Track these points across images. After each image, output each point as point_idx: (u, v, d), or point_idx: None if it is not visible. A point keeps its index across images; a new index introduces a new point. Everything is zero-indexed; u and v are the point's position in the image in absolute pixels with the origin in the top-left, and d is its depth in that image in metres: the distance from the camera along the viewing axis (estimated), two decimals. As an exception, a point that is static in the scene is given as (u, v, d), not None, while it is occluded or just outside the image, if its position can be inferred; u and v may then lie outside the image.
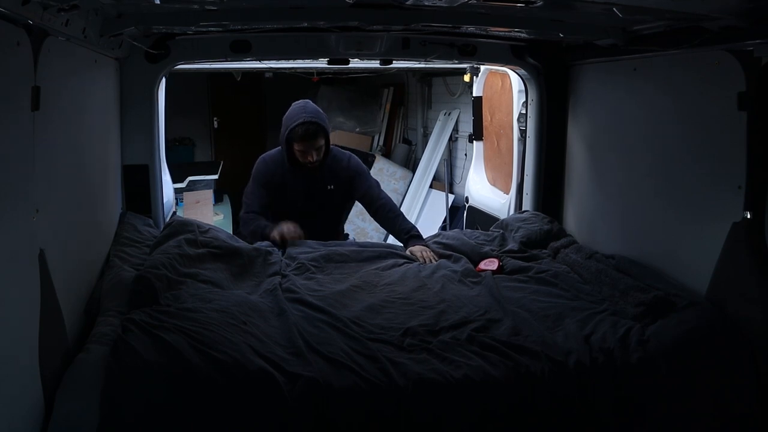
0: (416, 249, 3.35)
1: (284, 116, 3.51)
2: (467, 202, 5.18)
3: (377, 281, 2.93)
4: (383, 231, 7.76)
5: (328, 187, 3.61)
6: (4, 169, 1.76)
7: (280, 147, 3.60)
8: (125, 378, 2.03)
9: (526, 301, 2.70)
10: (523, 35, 3.29)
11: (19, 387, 1.82)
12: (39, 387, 1.92)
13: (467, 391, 2.15)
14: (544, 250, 3.38)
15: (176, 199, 4.91)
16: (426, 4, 2.52)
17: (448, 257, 3.27)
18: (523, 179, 4.02)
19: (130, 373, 2.04)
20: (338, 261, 3.14)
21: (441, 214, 7.43)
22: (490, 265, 3.15)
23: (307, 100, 3.63)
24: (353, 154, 3.78)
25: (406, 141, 9.03)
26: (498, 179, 4.85)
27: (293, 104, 3.58)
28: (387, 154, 8.80)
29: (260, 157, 3.72)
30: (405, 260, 3.25)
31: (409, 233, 3.51)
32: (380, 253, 3.29)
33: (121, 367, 2.05)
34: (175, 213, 4.51)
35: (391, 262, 3.20)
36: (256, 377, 2.09)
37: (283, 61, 4.22)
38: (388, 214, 3.63)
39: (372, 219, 3.73)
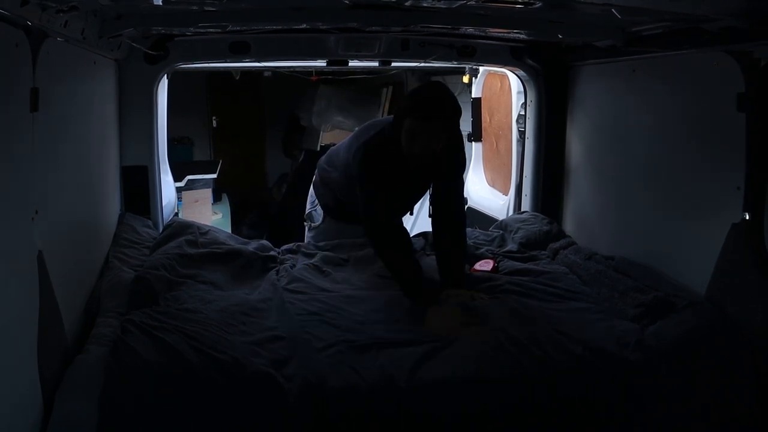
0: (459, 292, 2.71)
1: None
2: (466, 203, 5.18)
3: (377, 283, 2.93)
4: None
5: (429, 177, 3.01)
6: (3, 170, 1.76)
7: (380, 136, 2.88)
8: (125, 378, 2.03)
9: (525, 302, 2.70)
10: (522, 36, 3.29)
11: (18, 388, 1.82)
12: (38, 388, 1.92)
13: (467, 391, 2.16)
14: (543, 251, 3.39)
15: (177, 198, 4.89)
16: (425, 5, 2.52)
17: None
18: (522, 180, 4.03)
19: (129, 373, 2.05)
20: (337, 263, 3.14)
21: (440, 213, 7.41)
22: (485, 266, 3.15)
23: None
24: None
25: (406, 141, 9.02)
26: (497, 180, 4.85)
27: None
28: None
29: (365, 151, 2.85)
30: None
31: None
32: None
33: (120, 368, 2.05)
34: (177, 214, 4.50)
35: None
36: (255, 377, 2.09)
37: (282, 62, 4.21)
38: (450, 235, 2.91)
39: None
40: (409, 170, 2.82)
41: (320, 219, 3.45)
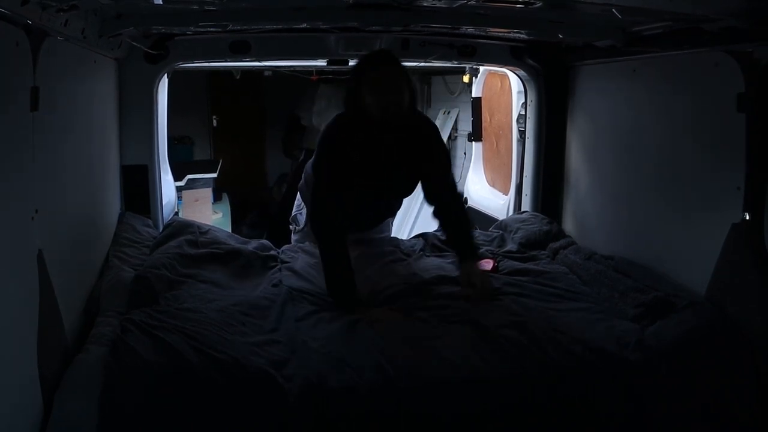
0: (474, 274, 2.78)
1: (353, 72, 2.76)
2: (466, 203, 5.18)
3: (378, 281, 2.93)
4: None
5: (408, 154, 2.81)
6: (3, 170, 1.76)
7: (340, 118, 2.84)
8: (125, 378, 2.03)
9: (525, 301, 2.70)
10: (522, 36, 3.29)
11: (18, 388, 1.82)
12: (38, 388, 1.91)
13: (467, 391, 2.15)
14: (543, 251, 3.39)
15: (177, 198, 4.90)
16: (425, 5, 2.52)
17: (444, 256, 3.28)
18: (522, 180, 4.03)
19: (129, 373, 2.04)
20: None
21: (440, 213, 7.41)
22: (485, 265, 3.15)
23: None
24: None
25: (406, 140, 9.02)
26: (497, 180, 4.85)
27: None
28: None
29: (325, 131, 2.83)
30: (404, 255, 3.26)
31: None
32: (383, 251, 3.28)
33: (120, 368, 2.05)
34: (177, 213, 4.51)
35: (392, 257, 3.20)
36: (255, 377, 2.09)
37: (282, 61, 4.21)
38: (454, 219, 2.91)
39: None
40: (377, 149, 2.73)
41: (304, 222, 3.41)
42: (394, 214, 3.44)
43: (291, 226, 3.54)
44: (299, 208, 3.45)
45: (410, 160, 2.85)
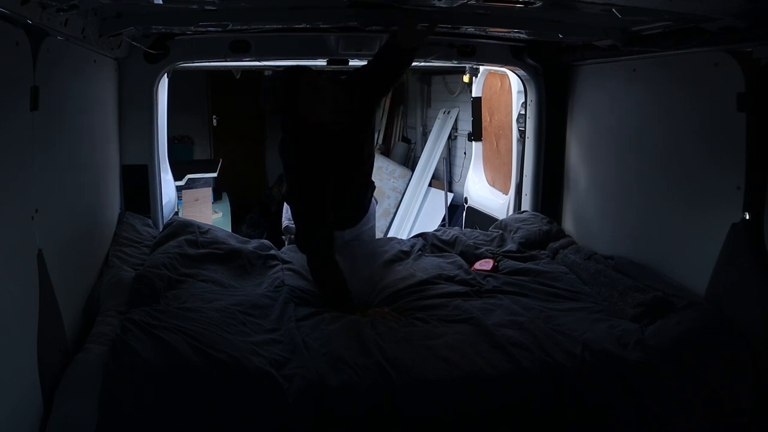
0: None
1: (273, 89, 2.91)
2: (466, 203, 5.19)
3: (377, 281, 2.93)
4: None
5: (354, 133, 2.95)
6: (3, 170, 1.76)
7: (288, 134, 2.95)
8: (124, 377, 2.03)
9: (525, 301, 2.70)
10: (522, 36, 3.29)
11: (17, 387, 1.82)
12: (38, 387, 1.92)
13: (467, 390, 2.15)
14: (543, 251, 3.39)
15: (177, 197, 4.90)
16: (425, 4, 2.52)
17: (443, 256, 3.28)
18: (522, 180, 4.03)
19: (129, 372, 2.04)
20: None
21: (440, 212, 7.44)
22: (485, 265, 3.16)
23: None
24: None
25: (405, 139, 9.04)
26: (497, 180, 4.85)
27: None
28: (386, 152, 8.81)
29: (287, 151, 2.96)
30: (403, 254, 3.26)
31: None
32: (383, 251, 3.28)
33: (120, 367, 2.05)
34: (177, 213, 4.51)
35: (392, 257, 3.20)
36: (255, 376, 2.09)
37: (282, 61, 4.21)
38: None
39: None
40: (333, 141, 2.81)
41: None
42: (372, 192, 3.37)
43: (284, 237, 3.54)
44: (291, 220, 3.43)
45: (360, 127, 2.96)
